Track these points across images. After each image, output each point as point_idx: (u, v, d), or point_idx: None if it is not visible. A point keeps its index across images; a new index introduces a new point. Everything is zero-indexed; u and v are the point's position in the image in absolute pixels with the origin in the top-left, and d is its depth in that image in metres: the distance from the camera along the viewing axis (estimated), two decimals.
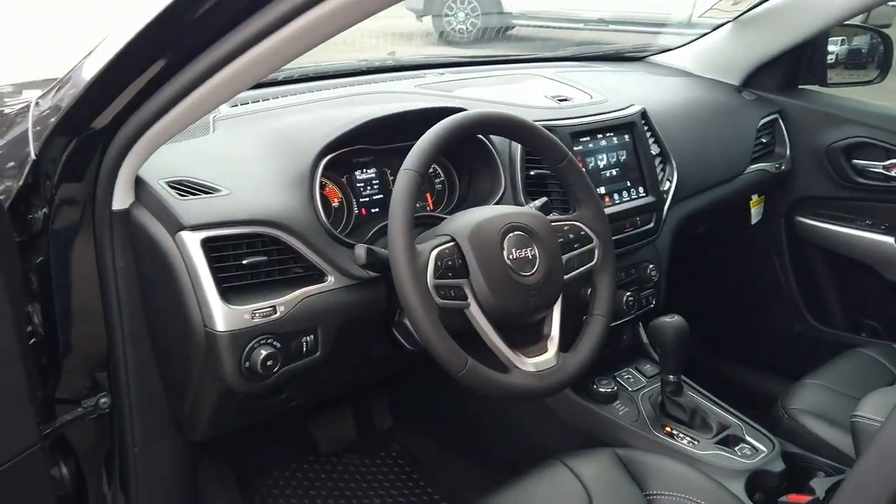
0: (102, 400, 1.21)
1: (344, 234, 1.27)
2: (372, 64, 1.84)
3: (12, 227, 1.00)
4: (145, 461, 1.26)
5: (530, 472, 1.27)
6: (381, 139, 1.39)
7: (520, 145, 1.47)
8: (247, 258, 1.13)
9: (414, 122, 1.27)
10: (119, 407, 1.21)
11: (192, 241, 1.09)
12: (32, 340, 1.13)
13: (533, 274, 1.18)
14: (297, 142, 1.30)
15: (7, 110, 1.16)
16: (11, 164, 1.06)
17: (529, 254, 1.18)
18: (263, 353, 1.13)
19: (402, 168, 1.12)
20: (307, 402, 1.43)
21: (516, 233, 1.18)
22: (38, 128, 1.06)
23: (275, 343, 1.14)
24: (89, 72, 0.97)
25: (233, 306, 1.10)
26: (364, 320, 1.26)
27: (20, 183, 1.04)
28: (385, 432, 1.96)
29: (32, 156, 1.04)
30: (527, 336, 1.22)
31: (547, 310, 1.22)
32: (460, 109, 1.24)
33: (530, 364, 1.16)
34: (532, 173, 1.49)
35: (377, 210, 1.40)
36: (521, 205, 1.42)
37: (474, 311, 1.13)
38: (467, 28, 6.52)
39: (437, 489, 1.83)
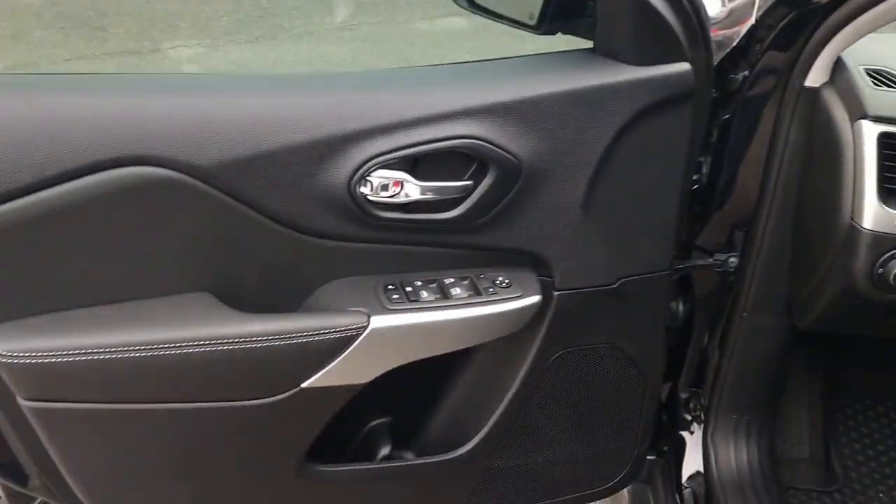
0: (732, 259, 1.32)
1: None
2: None
3: (714, 82, 1.13)
4: (748, 328, 1.35)
5: None
6: None
7: None
8: None
9: None
10: (743, 270, 1.31)
11: (870, 132, 1.08)
12: (694, 187, 1.28)
13: None
14: None
15: None
16: (736, 28, 1.17)
17: None
18: None
19: None
20: None
21: None
22: None
23: None
24: None
25: (887, 208, 1.07)
26: None
27: (734, 43, 1.15)
28: None
29: (752, 20, 1.13)
30: None
31: None
32: None
33: None
34: None
35: None
36: None
37: None
38: None
39: None
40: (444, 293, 1.05)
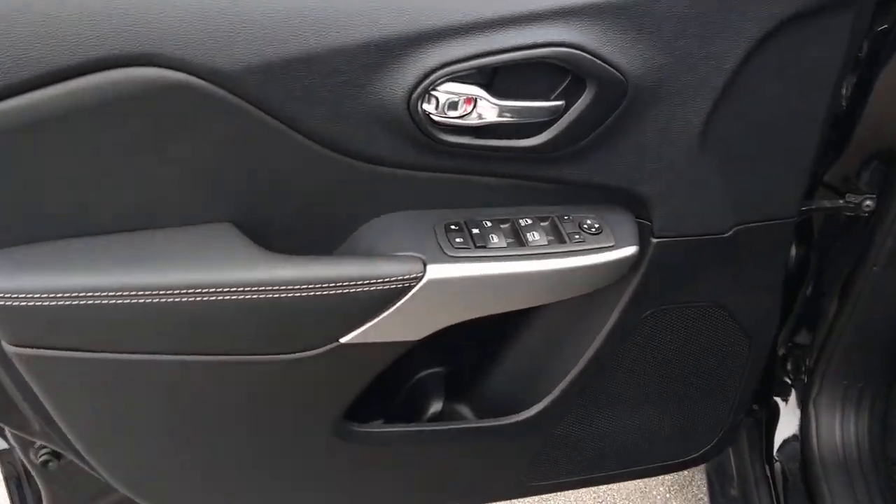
0: (867, 202, 1.09)
1: None
2: None
3: None
4: (877, 284, 1.13)
5: None
6: None
7: None
8: None
9: None
10: (880, 215, 1.08)
11: None
12: None
13: None
14: None
15: None
16: None
17: None
18: None
19: None
20: None
21: None
22: None
23: None
24: None
25: None
26: None
27: None
28: None
29: None
30: None
31: None
32: None
33: None
34: None
35: None
36: None
37: None
38: None
39: None
40: (518, 238, 0.86)
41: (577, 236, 0.86)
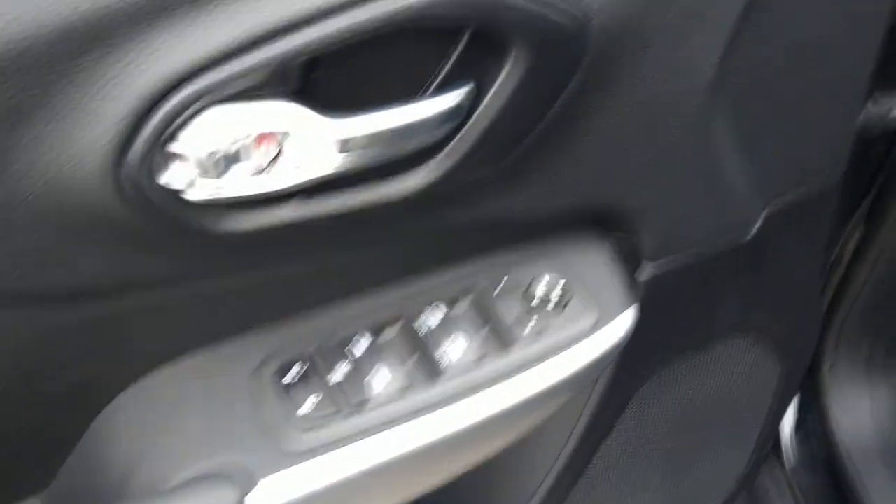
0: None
1: None
2: None
3: None
4: None
5: None
6: None
7: None
8: None
9: None
10: None
11: None
12: None
13: None
14: None
15: None
16: None
17: None
18: None
19: None
20: None
21: None
22: None
23: None
24: None
25: None
26: None
27: None
28: None
29: None
30: None
31: None
32: None
33: None
34: None
35: None
36: None
37: None
38: None
39: None
40: (424, 355, 0.44)
41: (531, 322, 0.46)
